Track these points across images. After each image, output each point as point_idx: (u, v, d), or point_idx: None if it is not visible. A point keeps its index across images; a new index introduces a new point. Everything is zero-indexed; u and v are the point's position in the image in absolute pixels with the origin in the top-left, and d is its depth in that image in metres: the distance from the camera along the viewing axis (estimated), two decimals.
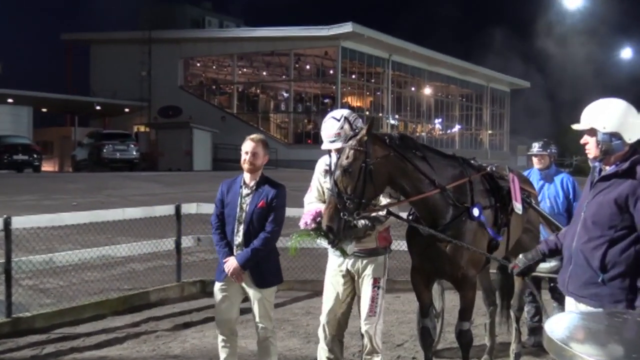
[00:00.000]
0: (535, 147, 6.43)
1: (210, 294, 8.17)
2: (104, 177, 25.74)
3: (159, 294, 7.97)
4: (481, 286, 5.80)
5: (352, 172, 3.99)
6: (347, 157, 4.01)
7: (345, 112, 4.51)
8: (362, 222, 4.24)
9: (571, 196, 6.31)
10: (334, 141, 4.37)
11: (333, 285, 4.69)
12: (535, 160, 6.45)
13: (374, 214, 4.33)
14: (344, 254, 4.36)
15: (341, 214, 3.96)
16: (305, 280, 8.65)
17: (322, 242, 4.29)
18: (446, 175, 4.39)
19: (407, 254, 4.75)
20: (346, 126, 4.31)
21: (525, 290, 5.89)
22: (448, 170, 4.44)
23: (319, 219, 4.30)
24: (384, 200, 4.45)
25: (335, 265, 4.69)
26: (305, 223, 4.35)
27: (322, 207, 4.37)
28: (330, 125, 4.43)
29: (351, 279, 4.65)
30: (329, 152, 4.47)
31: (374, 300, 4.53)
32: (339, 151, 4.12)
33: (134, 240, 8.30)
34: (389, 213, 4.39)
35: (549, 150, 6.39)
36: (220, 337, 4.81)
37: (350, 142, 4.06)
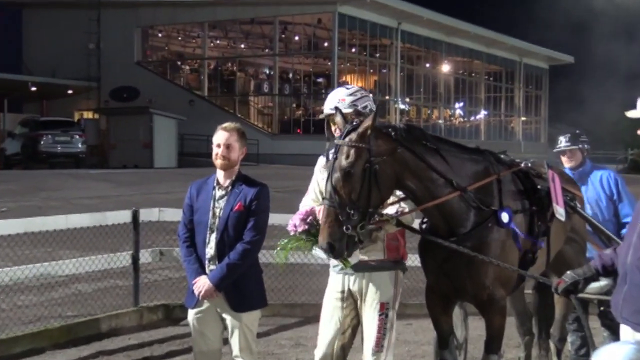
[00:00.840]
0: (562, 141, 6.44)
1: (176, 321, 8.24)
2: (41, 175, 25.67)
3: (111, 322, 7.96)
4: (513, 310, 5.82)
5: (354, 174, 4.00)
6: (348, 156, 4.02)
7: (353, 88, 4.65)
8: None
9: (615, 197, 6.33)
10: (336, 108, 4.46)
11: (331, 311, 4.67)
12: (564, 158, 6.45)
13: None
14: (346, 263, 4.36)
15: (344, 227, 3.97)
16: (293, 304, 8.65)
17: (318, 252, 4.29)
18: (466, 173, 4.41)
19: (421, 271, 4.75)
20: (339, 117, 4.32)
21: (569, 316, 5.91)
22: (468, 167, 4.46)
23: (310, 218, 4.32)
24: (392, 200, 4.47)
25: (334, 284, 4.68)
26: (294, 225, 4.37)
27: (316, 206, 4.38)
28: (338, 91, 4.60)
29: (354, 302, 4.64)
30: (327, 138, 4.50)
31: (380, 331, 4.52)
32: (336, 150, 4.12)
33: (80, 255, 8.27)
34: (399, 224, 4.39)
35: (580, 145, 6.40)
36: None
37: (350, 136, 4.07)
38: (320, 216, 4.26)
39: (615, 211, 6.30)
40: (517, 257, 4.56)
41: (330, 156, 4.23)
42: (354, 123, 4.14)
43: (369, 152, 4.03)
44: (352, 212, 3.98)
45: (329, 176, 4.07)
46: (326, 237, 3.99)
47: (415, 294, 8.09)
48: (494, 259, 4.31)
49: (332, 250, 4.02)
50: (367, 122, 4.06)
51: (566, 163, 6.42)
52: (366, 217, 4.04)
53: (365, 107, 4.54)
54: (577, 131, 6.54)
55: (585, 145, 6.44)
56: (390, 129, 4.20)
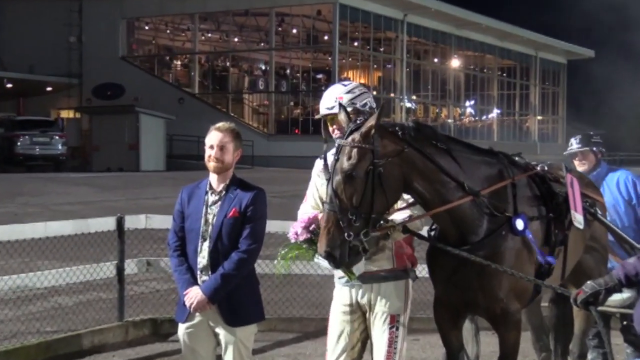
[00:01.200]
0: (573, 143, 6.48)
1: (164, 337, 8.23)
2: (17, 179, 25.67)
3: (94, 338, 7.95)
4: (529, 325, 5.83)
5: (356, 176, 4.01)
6: (350, 158, 4.04)
7: (351, 85, 4.65)
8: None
9: (634, 201, 6.34)
10: (332, 107, 4.49)
11: (339, 325, 4.69)
12: (576, 162, 6.48)
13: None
14: (351, 275, 4.38)
15: (345, 234, 3.98)
16: (291, 318, 8.65)
17: (321, 261, 4.31)
18: (479, 176, 4.43)
19: (429, 282, 4.76)
20: (343, 115, 4.33)
21: (589, 331, 5.91)
22: (481, 170, 4.48)
23: (312, 226, 4.33)
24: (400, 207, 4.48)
25: (341, 297, 4.70)
26: (296, 234, 4.39)
27: (318, 213, 4.40)
28: (334, 88, 4.60)
29: (362, 315, 4.66)
30: (324, 140, 4.51)
31: (391, 344, 4.53)
32: (338, 150, 4.13)
33: (61, 266, 8.25)
34: (406, 230, 4.41)
35: (592, 147, 6.42)
36: None
37: (352, 136, 4.09)
38: (321, 221, 4.28)
39: (636, 217, 6.31)
40: (533, 266, 4.57)
41: (329, 158, 4.24)
42: (358, 122, 4.16)
43: (373, 154, 4.04)
44: (353, 217, 3.99)
45: (330, 179, 4.09)
46: (325, 244, 4.00)
47: (423, 307, 8.09)
48: (509, 269, 4.31)
49: (332, 259, 4.02)
50: (371, 122, 4.07)
51: (578, 166, 6.43)
52: (369, 224, 4.04)
53: (365, 104, 4.57)
54: (592, 132, 6.58)
55: (600, 148, 6.46)
56: (397, 128, 4.21)
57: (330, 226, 4.00)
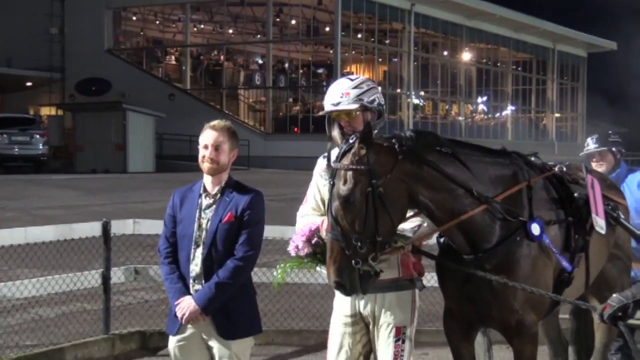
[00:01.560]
0: (589, 143, 6.49)
1: (153, 351, 8.23)
2: None
3: (77, 352, 7.96)
4: (546, 338, 5.83)
5: (355, 201, 4.04)
6: (345, 182, 4.06)
7: (358, 80, 4.63)
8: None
9: None
10: (338, 103, 4.48)
11: (340, 337, 4.70)
12: (593, 162, 6.49)
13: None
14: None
15: (352, 262, 4.01)
16: (290, 331, 8.66)
17: (323, 270, 4.32)
18: (491, 180, 4.43)
19: (437, 292, 4.77)
20: (337, 132, 4.33)
21: (611, 345, 5.91)
22: (493, 172, 4.48)
23: (315, 239, 4.34)
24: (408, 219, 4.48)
25: (342, 308, 4.71)
26: (296, 247, 4.40)
27: (318, 221, 4.41)
28: (340, 83, 4.60)
29: (365, 327, 4.67)
30: (329, 137, 4.52)
31: (397, 358, 4.55)
32: (335, 172, 4.13)
33: (42, 275, 8.25)
34: (416, 251, 4.42)
35: (612, 147, 6.42)
36: None
37: (345, 159, 4.10)
38: (323, 231, 4.29)
39: None
40: (551, 276, 4.58)
41: (333, 157, 4.25)
42: (350, 141, 4.16)
43: (370, 174, 4.06)
44: (358, 244, 4.02)
45: (329, 205, 4.12)
46: (334, 275, 4.05)
47: (432, 319, 8.10)
48: (524, 277, 4.32)
49: (343, 289, 4.10)
50: (358, 141, 4.06)
51: (596, 167, 6.44)
52: (377, 248, 4.08)
53: (373, 101, 4.57)
54: (610, 131, 6.59)
55: (619, 147, 6.46)
56: (393, 140, 4.21)
57: (335, 255, 4.05)
